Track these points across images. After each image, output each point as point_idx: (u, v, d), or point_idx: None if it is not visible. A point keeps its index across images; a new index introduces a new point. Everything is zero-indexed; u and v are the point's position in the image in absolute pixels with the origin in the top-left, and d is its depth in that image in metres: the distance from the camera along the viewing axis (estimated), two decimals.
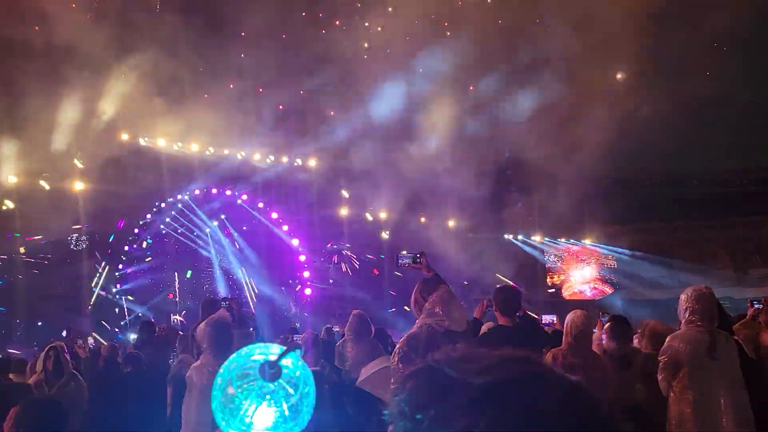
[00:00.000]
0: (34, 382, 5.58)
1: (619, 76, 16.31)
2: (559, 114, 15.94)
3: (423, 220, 20.17)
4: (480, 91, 15.78)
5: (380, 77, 15.44)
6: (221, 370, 1.07)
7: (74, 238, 16.18)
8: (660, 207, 20.64)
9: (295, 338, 8.77)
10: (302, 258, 19.95)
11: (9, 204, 14.55)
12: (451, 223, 20.06)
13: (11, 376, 6.56)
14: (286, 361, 1.07)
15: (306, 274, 19.87)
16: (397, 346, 4.06)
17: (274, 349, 1.08)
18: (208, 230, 19.01)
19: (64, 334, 13.74)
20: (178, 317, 16.31)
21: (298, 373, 1.08)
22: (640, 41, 14.40)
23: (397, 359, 3.88)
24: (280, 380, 1.06)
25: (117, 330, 15.50)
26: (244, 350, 1.08)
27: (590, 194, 18.30)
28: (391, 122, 16.39)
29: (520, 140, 16.62)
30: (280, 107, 16.79)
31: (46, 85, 13.29)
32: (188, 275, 18.50)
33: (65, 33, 12.67)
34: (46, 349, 5.74)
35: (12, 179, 14.45)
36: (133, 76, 14.28)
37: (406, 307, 13.90)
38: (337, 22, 16.20)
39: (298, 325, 15.90)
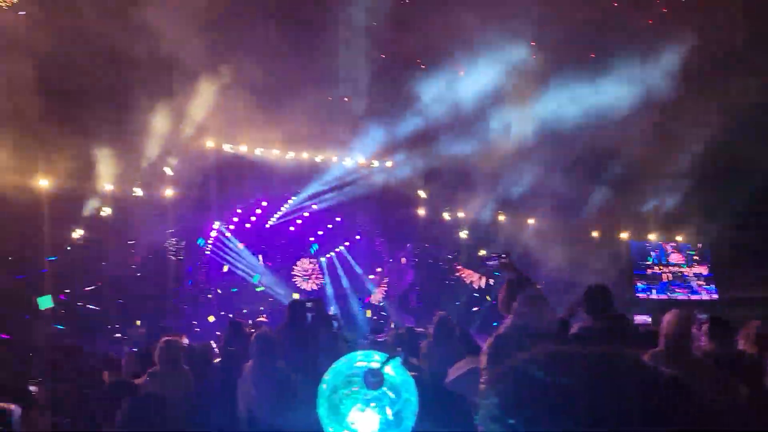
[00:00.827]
0: (148, 375, 5.81)
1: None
2: (658, 106, 15.23)
3: (504, 218, 19.87)
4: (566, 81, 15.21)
5: (464, 67, 15.19)
6: (327, 377, 1.09)
7: (172, 243, 16.96)
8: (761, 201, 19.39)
9: (379, 337, 8.83)
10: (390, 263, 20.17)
11: (106, 210, 15.43)
12: (539, 222, 19.61)
13: (105, 374, 6.87)
14: (387, 368, 1.07)
15: (379, 268, 20.11)
16: (485, 346, 4.02)
17: (376, 357, 1.09)
18: (292, 229, 19.59)
19: (138, 324, 14.45)
20: (261, 318, 16.78)
21: (399, 379, 1.09)
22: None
23: (485, 360, 3.84)
24: (383, 387, 1.07)
25: (197, 330, 16.12)
26: (347, 358, 1.10)
27: (682, 191, 17.50)
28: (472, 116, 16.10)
29: (610, 133, 16.00)
30: (363, 110, 16.80)
31: (139, 96, 13.95)
32: (263, 281, 19.09)
33: (156, 44, 13.13)
34: (162, 343, 5.98)
35: (108, 186, 15.34)
36: (221, 84, 14.73)
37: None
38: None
39: (382, 322, 16.07)
